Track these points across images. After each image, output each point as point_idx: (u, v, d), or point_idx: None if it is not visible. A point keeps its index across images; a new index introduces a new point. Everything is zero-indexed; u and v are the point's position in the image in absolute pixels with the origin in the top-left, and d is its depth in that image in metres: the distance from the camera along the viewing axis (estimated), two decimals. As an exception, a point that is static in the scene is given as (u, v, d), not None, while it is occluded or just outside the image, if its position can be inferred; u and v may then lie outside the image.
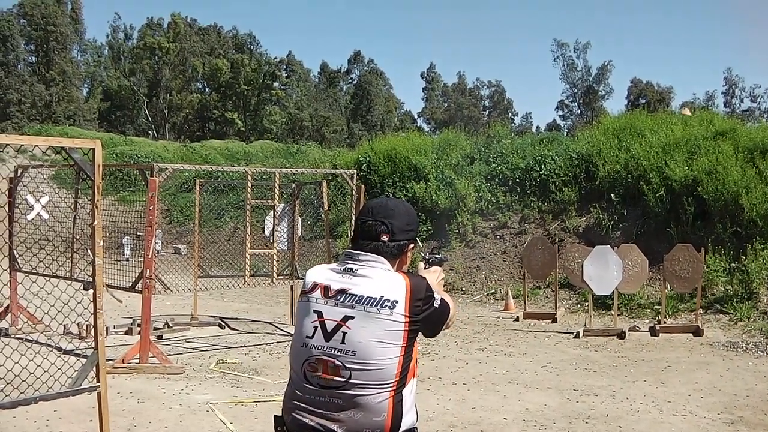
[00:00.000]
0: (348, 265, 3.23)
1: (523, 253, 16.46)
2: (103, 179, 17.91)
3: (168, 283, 13.03)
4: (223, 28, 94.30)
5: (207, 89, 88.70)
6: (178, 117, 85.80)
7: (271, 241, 13.53)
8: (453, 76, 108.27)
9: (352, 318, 3.12)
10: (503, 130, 26.23)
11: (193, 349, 12.25)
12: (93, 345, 5.31)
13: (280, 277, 13.26)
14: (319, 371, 3.14)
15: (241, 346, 12.43)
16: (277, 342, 12.76)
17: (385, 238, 3.27)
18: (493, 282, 18.38)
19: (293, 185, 14.89)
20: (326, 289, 3.20)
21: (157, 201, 10.56)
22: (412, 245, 3.43)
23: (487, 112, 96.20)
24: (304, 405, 3.18)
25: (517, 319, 15.05)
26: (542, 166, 20.46)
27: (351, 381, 3.09)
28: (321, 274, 3.28)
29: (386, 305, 3.11)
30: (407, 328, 3.14)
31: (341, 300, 3.16)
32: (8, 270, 12.82)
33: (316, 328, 3.19)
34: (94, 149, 5.11)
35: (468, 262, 19.37)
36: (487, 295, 17.87)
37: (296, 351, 3.26)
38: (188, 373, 10.32)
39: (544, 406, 8.60)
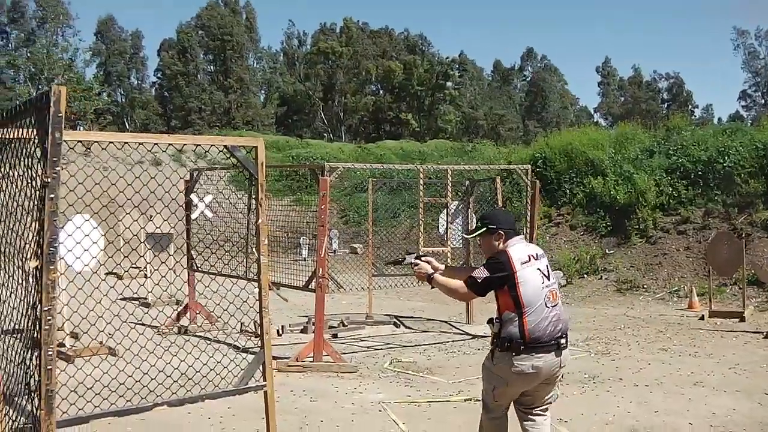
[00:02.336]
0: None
1: (708, 249, 15.67)
2: (278, 181, 18.31)
3: (343, 282, 13.07)
4: (394, 30, 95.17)
5: (381, 91, 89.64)
6: (354, 119, 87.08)
7: (446, 239, 13.38)
8: (629, 70, 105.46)
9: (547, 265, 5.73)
10: (683, 122, 25.21)
11: (367, 347, 12.25)
12: (259, 344, 5.23)
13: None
14: (551, 298, 5.50)
15: (415, 345, 12.35)
16: (453, 341, 12.59)
17: None
18: (676, 279, 17.63)
19: (467, 182, 14.68)
20: (532, 256, 5.59)
21: (328, 200, 10.56)
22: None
23: (665, 105, 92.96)
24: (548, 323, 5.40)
25: (702, 318, 14.32)
26: (726, 158, 19.50)
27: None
28: (524, 251, 5.61)
29: None
30: None
31: (538, 258, 5.64)
32: (187, 269, 13.22)
33: (542, 275, 5.53)
34: (256, 147, 5.03)
35: (649, 259, 18.67)
36: (670, 293, 17.13)
37: (537, 292, 5.41)
38: (362, 371, 10.29)
39: (732, 411, 8.05)
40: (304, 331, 13.11)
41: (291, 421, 7.62)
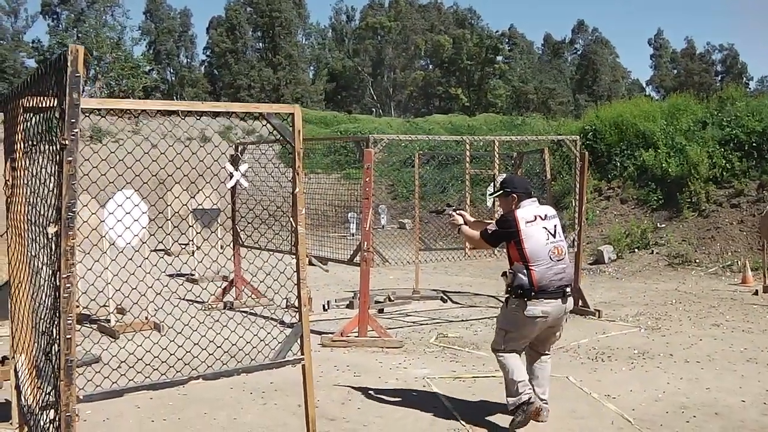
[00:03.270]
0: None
1: (762, 222, 15.27)
2: (327, 156, 18.22)
3: (390, 257, 12.92)
4: (443, 4, 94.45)
5: (430, 66, 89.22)
6: (403, 95, 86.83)
7: (494, 212, 13.15)
8: (682, 42, 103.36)
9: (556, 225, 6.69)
10: (737, 93, 24.59)
11: (413, 322, 12.14)
12: (297, 318, 5.11)
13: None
14: (555, 252, 6.49)
15: (462, 320, 12.22)
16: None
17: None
18: (730, 254, 17.21)
19: (515, 154, 14.45)
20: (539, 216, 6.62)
21: (375, 175, 10.42)
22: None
23: (719, 78, 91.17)
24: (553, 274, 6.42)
25: (756, 293, 13.95)
26: (782, 128, 18.99)
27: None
28: (531, 212, 6.62)
29: None
30: None
31: (546, 218, 6.65)
32: (232, 244, 13.18)
33: (548, 233, 6.55)
34: (293, 114, 4.89)
35: (702, 233, 18.26)
36: (723, 267, 16.75)
37: (541, 247, 6.45)
38: (407, 347, 10.19)
39: (787, 388, 7.80)
40: (350, 306, 13.01)
41: (333, 396, 7.53)
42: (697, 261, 17.29)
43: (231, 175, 12.20)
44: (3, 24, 75.51)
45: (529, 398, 6.44)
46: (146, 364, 5.78)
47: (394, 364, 9.10)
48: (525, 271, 6.37)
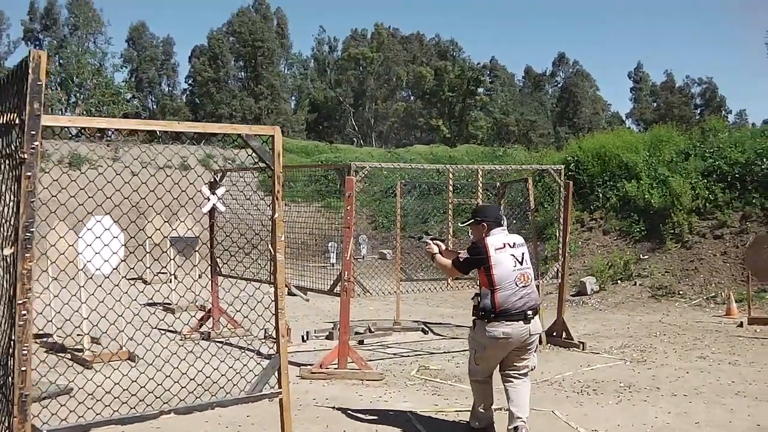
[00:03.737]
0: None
1: (746, 253, 15.16)
2: (307, 186, 17.93)
3: (371, 288, 12.67)
4: (425, 36, 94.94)
5: (412, 97, 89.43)
6: (384, 126, 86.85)
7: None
8: (661, 75, 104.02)
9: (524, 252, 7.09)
10: (719, 124, 24.62)
11: (394, 354, 11.90)
12: (275, 349, 4.87)
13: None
14: (522, 279, 6.88)
15: (444, 352, 11.99)
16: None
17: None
18: (713, 285, 17.09)
19: (498, 184, 14.29)
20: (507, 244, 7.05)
21: (354, 201, 10.21)
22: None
23: (698, 111, 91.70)
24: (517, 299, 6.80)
25: (741, 325, 13.81)
26: (765, 160, 18.95)
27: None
28: (501, 239, 7.08)
29: None
30: None
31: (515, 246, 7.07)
32: (210, 273, 12.92)
33: (515, 260, 6.94)
34: (273, 136, 4.69)
35: (685, 264, 18.15)
36: (707, 299, 16.61)
37: (508, 273, 6.85)
38: (388, 379, 9.94)
39: (778, 422, 7.60)
40: (329, 337, 12.78)
41: (313, 430, 7.28)
42: (681, 292, 17.14)
43: (207, 199, 11.96)
44: (-17, 50, 75.46)
45: (484, 428, 7.23)
46: (115, 397, 5.53)
47: (375, 396, 8.86)
48: (490, 295, 6.85)
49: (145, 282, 16.58)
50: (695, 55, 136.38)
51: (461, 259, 7.23)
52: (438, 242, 7.79)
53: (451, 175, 12.27)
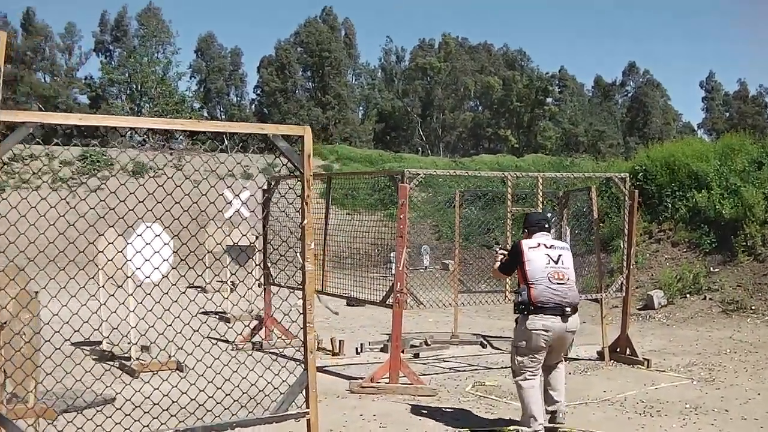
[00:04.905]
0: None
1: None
2: (371, 195, 17.57)
3: (427, 299, 12.28)
4: (493, 45, 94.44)
5: (479, 107, 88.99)
6: (452, 136, 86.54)
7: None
8: (734, 84, 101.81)
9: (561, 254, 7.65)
10: (795, 131, 23.76)
11: (449, 369, 11.50)
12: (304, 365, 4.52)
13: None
14: (555, 276, 7.42)
15: (502, 368, 11.48)
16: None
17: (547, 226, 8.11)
18: (789, 300, 16.31)
19: (560, 193, 13.82)
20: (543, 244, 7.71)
21: (407, 209, 9.87)
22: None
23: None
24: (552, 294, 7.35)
25: (818, 344, 13.12)
26: None
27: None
28: (536, 240, 7.78)
29: None
30: None
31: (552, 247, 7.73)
32: (263, 283, 12.66)
33: (549, 258, 7.55)
34: (303, 136, 4.34)
35: (758, 278, 17.37)
36: (782, 314, 15.86)
37: (541, 269, 7.45)
38: (441, 395, 9.56)
39: None
40: (384, 349, 12.37)
41: (354, 449, 6.93)
42: (753, 308, 16.38)
43: (230, 204, 11.66)
44: (57, 61, 76.89)
45: None
46: (164, 409, 5.23)
47: (425, 414, 8.48)
48: (526, 290, 7.45)
49: (203, 291, 16.39)
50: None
51: (504, 262, 8.16)
52: (503, 252, 8.41)
53: (509, 183, 11.81)
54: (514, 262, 7.78)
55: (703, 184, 20.74)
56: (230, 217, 12.18)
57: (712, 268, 18.48)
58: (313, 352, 4.46)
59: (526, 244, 7.71)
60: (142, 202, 4.88)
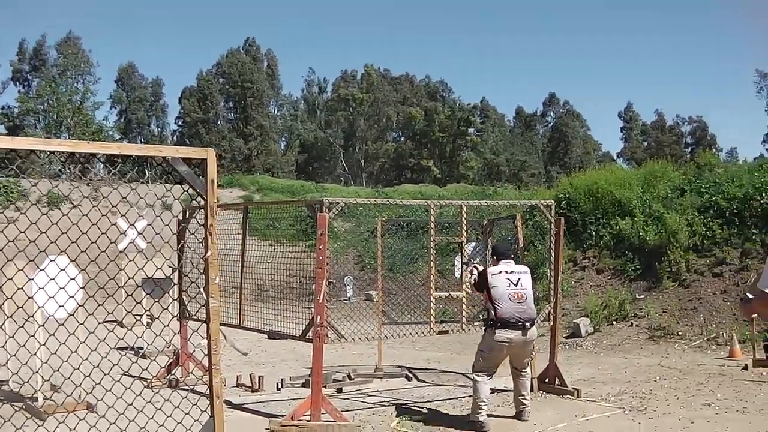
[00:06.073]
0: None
1: (751, 292, 14.35)
2: (293, 226, 17.01)
3: (349, 332, 11.87)
4: (415, 77, 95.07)
5: (402, 138, 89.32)
6: (375, 166, 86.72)
7: (461, 283, 12.12)
8: (652, 114, 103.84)
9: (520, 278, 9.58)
10: (714, 159, 23.98)
11: (374, 404, 11.07)
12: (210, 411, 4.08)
13: (475, 323, 11.64)
14: (515, 297, 9.30)
15: (428, 401, 11.16)
16: (469, 395, 11.32)
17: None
18: (714, 325, 16.23)
19: (485, 221, 13.57)
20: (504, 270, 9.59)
21: (326, 239, 9.46)
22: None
23: (689, 149, 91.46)
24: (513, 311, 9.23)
25: (745, 368, 12.98)
26: (764, 194, 18.15)
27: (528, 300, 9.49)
28: (499, 268, 9.65)
29: None
30: None
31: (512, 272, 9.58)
32: (179, 317, 12.13)
33: (510, 282, 9.40)
34: (205, 160, 3.92)
35: (683, 304, 17.34)
36: (708, 340, 15.76)
37: (503, 292, 9.31)
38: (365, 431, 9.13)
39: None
40: (305, 384, 11.89)
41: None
42: (680, 333, 16.30)
43: (124, 234, 11.10)
44: (-27, 90, 75.16)
45: (483, 422, 9.12)
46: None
47: (348, 454, 8.07)
48: (492, 309, 9.27)
49: (121, 325, 15.72)
50: (685, 93, 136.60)
51: (475, 283, 10.03)
52: (476, 267, 10.31)
53: (432, 212, 11.47)
54: (481, 285, 9.64)
55: (626, 211, 20.80)
56: (124, 249, 11.57)
57: (637, 295, 18.44)
58: (219, 397, 4.04)
59: (490, 272, 9.59)
60: (45, 233, 4.42)
